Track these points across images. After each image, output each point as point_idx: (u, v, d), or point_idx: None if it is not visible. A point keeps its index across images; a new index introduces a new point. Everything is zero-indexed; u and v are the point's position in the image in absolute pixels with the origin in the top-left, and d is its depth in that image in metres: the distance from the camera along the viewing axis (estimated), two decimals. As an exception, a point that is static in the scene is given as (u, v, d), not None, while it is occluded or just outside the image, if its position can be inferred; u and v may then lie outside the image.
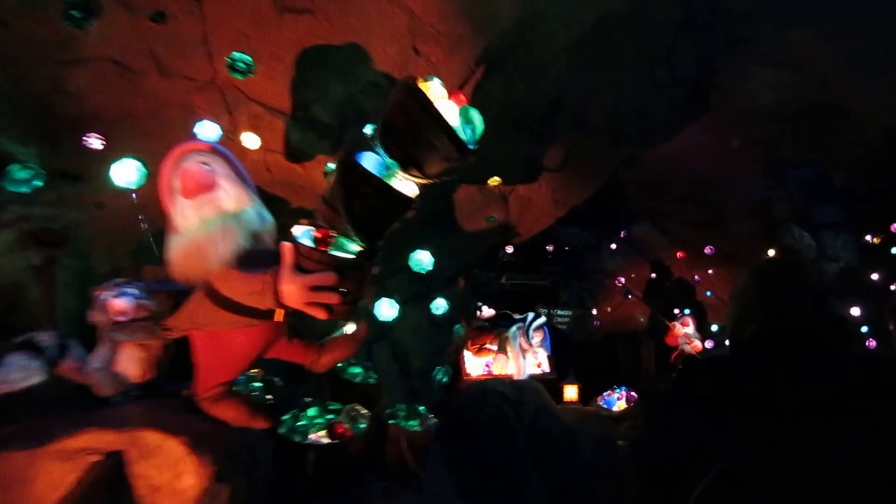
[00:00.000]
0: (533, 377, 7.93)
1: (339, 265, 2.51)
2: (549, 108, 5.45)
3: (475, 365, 7.71)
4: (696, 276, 10.60)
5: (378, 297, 5.45)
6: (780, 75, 7.36)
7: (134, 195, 3.65)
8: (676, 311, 9.25)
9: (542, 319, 8.02)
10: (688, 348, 8.38)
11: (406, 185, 2.52)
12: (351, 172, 2.47)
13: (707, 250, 9.74)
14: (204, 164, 2.89)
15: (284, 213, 5.50)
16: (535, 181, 6.22)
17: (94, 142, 4.15)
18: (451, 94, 2.57)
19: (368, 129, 2.57)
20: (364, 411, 4.91)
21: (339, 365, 5.28)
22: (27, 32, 3.71)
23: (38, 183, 3.99)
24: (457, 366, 7.55)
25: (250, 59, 4.20)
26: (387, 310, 5.46)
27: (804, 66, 7.27)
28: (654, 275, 11.09)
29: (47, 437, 2.82)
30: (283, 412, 4.93)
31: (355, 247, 2.55)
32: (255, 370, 5.31)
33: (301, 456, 4.61)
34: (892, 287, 8.68)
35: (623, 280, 10.43)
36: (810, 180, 9.35)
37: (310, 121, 4.99)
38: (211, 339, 3.10)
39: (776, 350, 1.81)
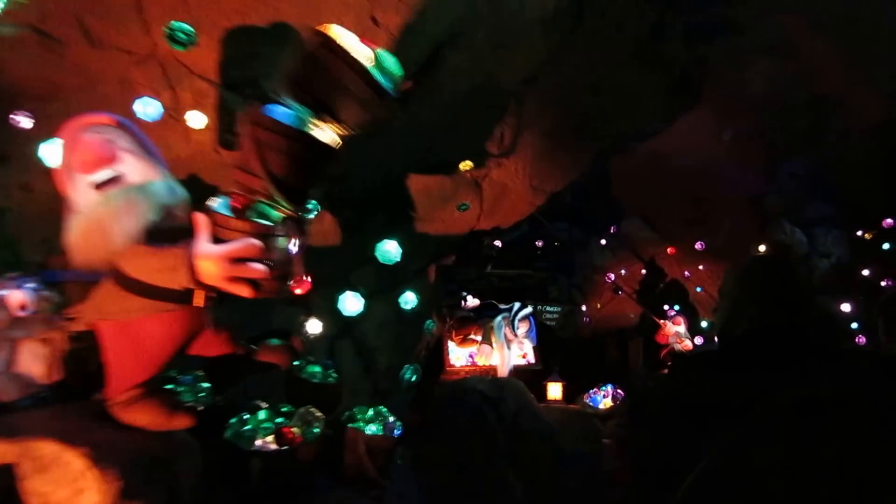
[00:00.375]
0: (518, 368, 7.64)
1: (262, 234, 2.19)
2: (522, 85, 5.00)
3: (459, 355, 7.37)
4: (686, 273, 10.19)
5: (342, 291, 5.08)
6: (773, 64, 6.89)
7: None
8: (667, 307, 8.97)
9: (528, 310, 7.70)
10: (678, 347, 8.08)
11: (323, 133, 2.19)
12: (260, 127, 2.17)
13: (697, 246, 9.33)
14: (104, 137, 2.47)
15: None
16: (510, 166, 5.76)
17: (24, 120, 3.73)
18: (362, 39, 2.17)
19: (271, 82, 2.23)
20: (318, 414, 4.46)
21: (297, 363, 4.86)
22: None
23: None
24: (437, 358, 7.19)
25: (191, 29, 3.72)
26: (351, 304, 5.08)
27: (798, 55, 6.81)
28: (644, 271, 10.70)
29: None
30: (233, 416, 4.52)
31: (280, 212, 2.21)
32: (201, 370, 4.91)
33: (246, 464, 4.18)
34: (883, 283, 8.33)
35: (612, 276, 10.03)
36: (803, 175, 8.94)
37: (260, 97, 4.63)
38: (121, 331, 2.61)
39: (764, 348, 1.78)
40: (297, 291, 5.09)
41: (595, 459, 6.89)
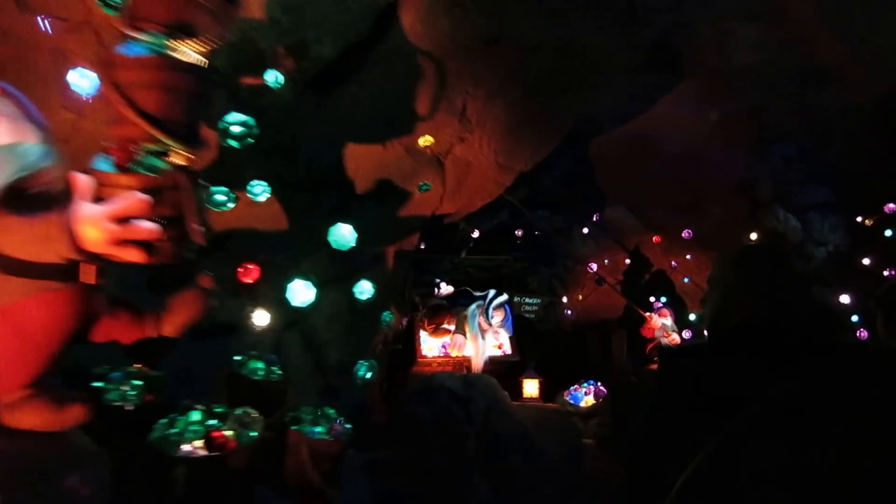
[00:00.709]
0: (494, 359, 7.30)
1: (149, 187, 1.95)
2: (485, 45, 4.49)
3: (431, 346, 7.16)
4: (673, 262, 9.79)
5: (291, 279, 4.59)
6: (762, 32, 6.38)
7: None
8: (652, 299, 8.70)
9: (504, 297, 7.53)
10: (665, 341, 7.82)
11: (183, 54, 2.01)
12: (119, 68, 1.96)
13: (684, 234, 8.94)
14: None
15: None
16: (474, 141, 5.25)
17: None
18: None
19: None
20: (256, 415, 3.94)
21: (238, 359, 4.35)
22: None
23: None
24: (408, 349, 6.96)
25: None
26: (301, 293, 4.63)
27: (789, 22, 6.30)
28: (628, 261, 10.30)
29: None
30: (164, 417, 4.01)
31: (172, 160, 2.02)
32: (137, 365, 4.40)
33: (169, 472, 3.66)
34: (886, 273, 7.89)
35: (595, 266, 9.62)
36: (796, 157, 8.47)
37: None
38: (-2, 319, 2.25)
39: (757, 343, 1.73)
40: (246, 280, 4.48)
41: (574, 462, 6.60)
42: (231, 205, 4.63)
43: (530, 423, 6.44)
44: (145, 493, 3.59)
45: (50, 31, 3.50)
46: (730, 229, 8.76)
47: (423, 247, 7.82)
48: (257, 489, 4.04)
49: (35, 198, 1.98)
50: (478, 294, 7.36)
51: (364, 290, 4.91)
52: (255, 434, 3.92)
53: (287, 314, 4.65)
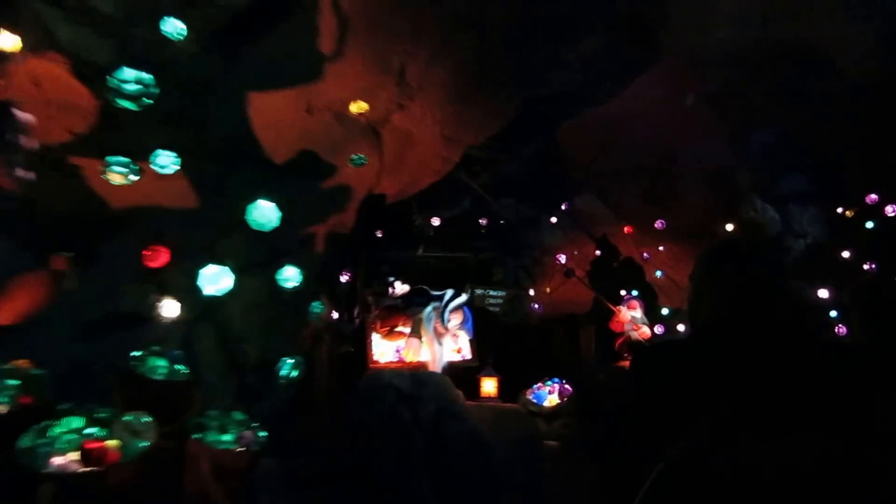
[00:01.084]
0: (453, 365, 6.76)
1: None
2: (428, 4, 3.90)
3: (384, 350, 6.51)
4: (645, 254, 9.35)
5: (203, 263, 4.03)
6: (742, 4, 5.87)
7: None
8: (623, 293, 8.25)
9: (462, 299, 6.82)
10: (634, 335, 7.46)
11: None
12: None
13: (657, 225, 8.50)
14: None
15: (68, 148, 3.95)
16: (416, 110, 4.66)
17: None
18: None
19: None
20: (149, 422, 3.35)
21: (136, 355, 3.75)
22: None
23: None
24: (359, 353, 6.37)
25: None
26: (214, 280, 4.05)
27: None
28: (598, 252, 9.83)
29: None
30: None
31: None
32: (21, 361, 3.80)
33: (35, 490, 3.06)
34: (865, 267, 7.50)
35: (564, 258, 9.12)
36: (775, 144, 8.04)
37: (86, 12, 3.56)
38: None
39: (731, 340, 1.70)
40: (152, 265, 3.97)
41: (532, 466, 6.08)
42: (133, 178, 4.01)
43: (486, 425, 5.90)
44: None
45: None
46: (705, 220, 8.46)
47: (376, 241, 7.27)
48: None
49: None
50: (435, 293, 6.70)
51: (289, 276, 4.35)
52: (144, 444, 3.33)
53: (199, 304, 4.08)
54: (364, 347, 6.70)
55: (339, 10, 3.78)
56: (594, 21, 4.97)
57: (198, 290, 3.98)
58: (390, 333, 6.61)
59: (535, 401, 6.90)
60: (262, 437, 3.70)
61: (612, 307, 7.52)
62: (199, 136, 3.99)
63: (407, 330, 6.56)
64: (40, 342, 3.71)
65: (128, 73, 3.58)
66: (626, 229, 9.32)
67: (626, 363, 7.55)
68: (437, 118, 4.87)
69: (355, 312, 7.61)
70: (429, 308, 6.86)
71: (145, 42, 3.50)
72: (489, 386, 6.80)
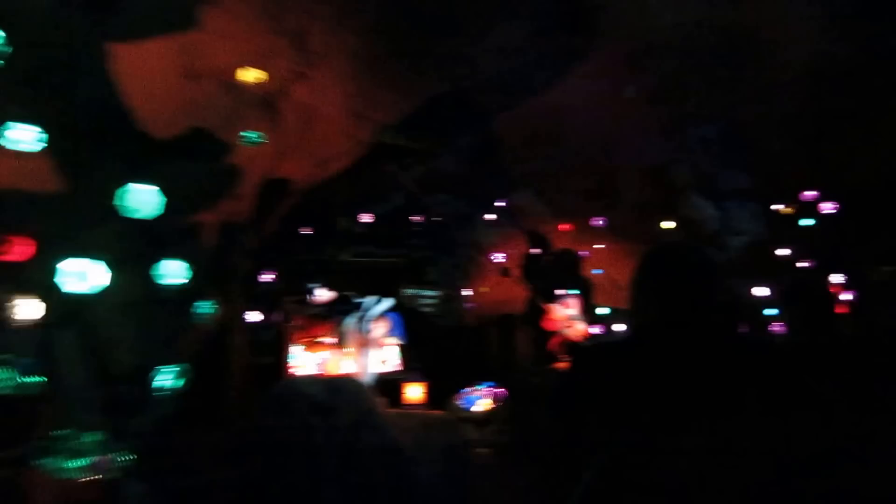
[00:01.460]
0: (383, 377, 6.28)
1: None
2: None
3: (306, 362, 6.11)
4: (584, 252, 9.09)
5: (64, 256, 3.40)
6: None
7: None
8: (562, 291, 7.93)
9: (386, 305, 6.39)
10: (569, 332, 7.23)
11: None
12: None
13: (596, 222, 8.23)
14: None
15: None
16: (320, 81, 4.07)
17: None
18: None
19: None
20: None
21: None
22: None
23: None
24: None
25: None
26: (78, 276, 3.45)
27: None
28: (532, 250, 9.52)
29: None
30: None
31: None
32: None
33: None
34: (800, 265, 7.36)
35: (500, 257, 8.76)
36: (715, 140, 7.82)
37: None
38: None
39: (664, 341, 1.70)
40: (8, 259, 3.14)
41: (461, 479, 5.64)
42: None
43: (409, 434, 5.41)
44: None
45: None
46: (644, 217, 8.19)
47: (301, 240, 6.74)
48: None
49: None
50: (357, 301, 6.33)
51: (170, 271, 3.71)
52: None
53: (61, 304, 3.42)
54: (277, 360, 6.25)
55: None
56: (524, 1, 4.50)
57: (59, 289, 3.35)
58: (313, 344, 6.22)
59: (464, 406, 6.55)
60: (125, 460, 3.07)
61: (543, 305, 7.25)
62: (61, 106, 3.34)
63: (330, 341, 6.18)
64: None
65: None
66: (564, 227, 9.04)
67: (562, 364, 7.30)
68: (346, 91, 4.29)
69: (276, 318, 7.09)
70: (351, 317, 6.39)
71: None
72: (415, 392, 6.30)
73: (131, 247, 3.59)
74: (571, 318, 7.18)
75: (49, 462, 2.92)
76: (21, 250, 3.63)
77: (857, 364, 2.37)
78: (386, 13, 3.94)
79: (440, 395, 6.58)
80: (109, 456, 3.05)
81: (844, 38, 6.01)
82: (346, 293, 6.72)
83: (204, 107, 3.70)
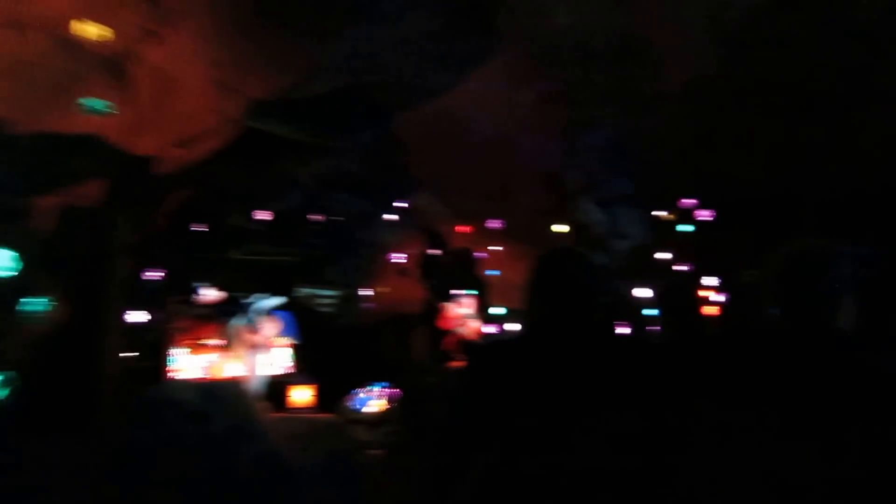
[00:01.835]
0: (276, 379, 6.00)
1: None
2: None
3: (190, 366, 5.76)
4: (482, 254, 9.09)
5: None
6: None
7: None
8: (458, 291, 7.83)
9: (272, 303, 6.08)
10: (463, 331, 7.13)
11: None
12: None
13: (492, 224, 8.20)
14: None
15: None
16: (178, 43, 3.60)
17: None
18: None
19: None
20: None
21: None
22: None
23: None
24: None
25: None
26: None
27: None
28: (431, 250, 9.45)
29: None
30: None
31: None
32: None
33: None
34: (676, 268, 7.59)
35: (400, 256, 8.61)
36: (602, 147, 7.93)
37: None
38: None
39: (550, 339, 1.79)
40: None
41: (348, 483, 5.42)
42: None
43: (295, 441, 5.13)
44: None
45: None
46: (540, 221, 8.16)
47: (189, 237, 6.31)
48: None
49: None
50: (245, 301, 6.01)
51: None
52: None
53: None
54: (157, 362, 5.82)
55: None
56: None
57: None
58: (197, 347, 5.84)
59: (355, 408, 6.36)
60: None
61: (439, 304, 7.17)
62: None
63: (217, 343, 5.84)
64: None
65: None
66: (463, 228, 8.99)
67: (457, 363, 7.23)
68: (208, 57, 3.79)
69: (158, 320, 6.65)
70: (239, 318, 6.06)
71: None
72: (302, 395, 6.01)
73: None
74: (466, 317, 7.10)
75: None
76: None
77: (715, 360, 2.46)
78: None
79: (333, 396, 6.36)
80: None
81: (725, 59, 6.20)
82: (235, 293, 6.37)
83: (34, 66, 3.11)
